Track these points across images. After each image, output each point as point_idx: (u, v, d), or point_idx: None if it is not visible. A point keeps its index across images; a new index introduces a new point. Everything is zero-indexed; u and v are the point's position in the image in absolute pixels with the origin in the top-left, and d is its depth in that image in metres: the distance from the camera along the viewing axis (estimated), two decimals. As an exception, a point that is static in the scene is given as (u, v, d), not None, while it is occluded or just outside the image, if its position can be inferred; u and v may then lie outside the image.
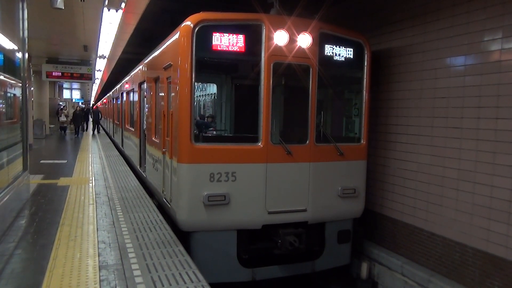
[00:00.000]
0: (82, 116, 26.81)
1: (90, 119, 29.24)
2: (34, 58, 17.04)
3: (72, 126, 25.61)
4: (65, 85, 32.01)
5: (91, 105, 70.80)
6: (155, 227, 5.76)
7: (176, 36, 6.19)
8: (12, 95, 6.53)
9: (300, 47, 6.27)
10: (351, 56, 6.84)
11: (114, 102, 20.87)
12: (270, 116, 6.17)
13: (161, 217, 6.34)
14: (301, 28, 6.24)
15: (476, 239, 5.81)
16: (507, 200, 5.39)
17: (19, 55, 6.73)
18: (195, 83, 6.00)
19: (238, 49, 6.02)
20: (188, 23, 5.88)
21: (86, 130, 27.85)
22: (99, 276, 4.02)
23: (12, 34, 6.27)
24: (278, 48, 6.13)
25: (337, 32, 6.73)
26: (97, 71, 21.96)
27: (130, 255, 4.63)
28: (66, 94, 34.11)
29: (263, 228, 6.30)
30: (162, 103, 7.33)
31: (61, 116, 25.57)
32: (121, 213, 6.42)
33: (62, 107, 27.82)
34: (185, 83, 5.87)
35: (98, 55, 16.28)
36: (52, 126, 25.34)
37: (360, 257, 7.77)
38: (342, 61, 6.77)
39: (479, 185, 5.76)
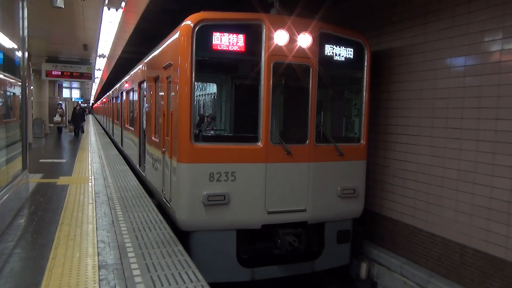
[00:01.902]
0: (82, 116, 24.65)
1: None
2: (34, 57, 17.02)
3: (71, 126, 23.43)
4: (64, 84, 32.01)
5: (91, 104, 70.29)
6: (155, 227, 5.75)
7: (176, 35, 6.19)
8: (11, 94, 6.52)
9: (300, 47, 6.26)
10: (351, 56, 6.83)
11: (114, 101, 20.84)
12: (270, 116, 6.16)
13: (160, 216, 6.33)
14: (301, 28, 6.23)
15: (476, 240, 5.81)
16: (506, 201, 5.38)
17: (19, 54, 6.72)
18: (195, 83, 5.99)
19: (238, 49, 6.01)
20: (188, 22, 5.87)
21: (83, 131, 24.17)
22: (99, 275, 4.01)
23: (12, 33, 6.26)
24: (278, 48, 6.12)
25: (337, 32, 6.73)
26: (97, 70, 21.94)
27: (130, 254, 4.62)
28: (65, 93, 34.11)
29: (262, 228, 6.29)
30: (162, 102, 7.32)
31: (55, 115, 22.99)
32: (121, 213, 6.41)
33: (57, 105, 25.19)
34: (185, 82, 5.86)
35: (98, 54, 16.27)
36: (51, 125, 25.23)
37: (359, 257, 7.77)
38: (342, 61, 6.76)
39: (479, 185, 5.76)
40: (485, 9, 5.67)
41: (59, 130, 23.63)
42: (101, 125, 36.37)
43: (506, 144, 5.39)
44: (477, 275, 5.78)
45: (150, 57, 9.01)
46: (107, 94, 30.29)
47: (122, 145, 15.62)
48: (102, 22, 10.51)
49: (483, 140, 5.71)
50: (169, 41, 6.87)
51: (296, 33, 6.19)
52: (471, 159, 5.88)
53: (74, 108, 24.32)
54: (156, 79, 8.12)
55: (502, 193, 5.44)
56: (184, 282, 3.96)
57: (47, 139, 20.75)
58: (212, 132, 8.37)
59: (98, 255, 4.56)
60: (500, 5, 5.46)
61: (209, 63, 6.41)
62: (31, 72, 19.19)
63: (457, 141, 6.10)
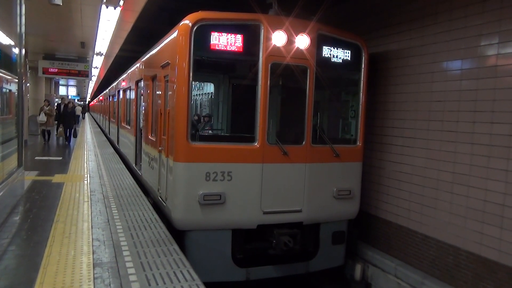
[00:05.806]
0: (74, 116, 19.54)
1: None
2: (31, 54, 16.96)
3: (61, 129, 17.52)
4: (61, 82, 31.90)
5: (87, 102, 69.01)
6: (150, 226, 5.74)
7: (174, 34, 6.19)
8: (8, 90, 6.50)
9: (298, 48, 6.28)
10: (349, 58, 6.86)
11: (111, 99, 20.78)
12: (267, 117, 6.18)
13: (156, 215, 6.32)
14: (299, 29, 6.25)
15: (470, 242, 5.85)
16: (500, 204, 5.43)
17: (16, 50, 6.69)
18: (193, 82, 6.00)
19: (236, 49, 6.02)
20: (186, 22, 5.88)
21: (75, 136, 18.60)
22: (93, 273, 4.00)
23: (9, 30, 6.24)
24: (276, 48, 6.14)
25: (335, 33, 6.75)
26: (94, 68, 21.88)
27: (125, 253, 4.61)
28: (62, 90, 34.01)
29: (258, 228, 6.31)
30: (159, 101, 7.32)
31: (39, 114, 17.65)
32: (116, 211, 6.40)
33: (45, 101, 19.20)
34: (183, 82, 5.87)
35: (95, 52, 16.24)
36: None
37: (354, 259, 7.79)
38: (339, 62, 6.79)
39: (473, 188, 5.80)
40: (482, 14, 5.71)
41: (44, 134, 17.76)
42: (97, 123, 36.25)
43: (500, 148, 5.43)
44: (470, 278, 5.82)
45: (148, 55, 9.00)
46: (104, 92, 30.21)
47: (118, 143, 15.58)
48: (100, 20, 10.49)
49: (478, 143, 5.74)
50: (167, 40, 6.87)
51: (294, 34, 6.21)
52: (466, 162, 5.92)
53: (58, 105, 19.51)
54: (153, 78, 8.11)
55: (496, 196, 5.48)
56: (179, 281, 3.96)
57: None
58: (209, 131, 8.37)
59: (93, 253, 4.55)
60: (497, 10, 5.50)
61: (207, 63, 6.42)
62: (28, 69, 19.06)
63: (452, 144, 6.14)
